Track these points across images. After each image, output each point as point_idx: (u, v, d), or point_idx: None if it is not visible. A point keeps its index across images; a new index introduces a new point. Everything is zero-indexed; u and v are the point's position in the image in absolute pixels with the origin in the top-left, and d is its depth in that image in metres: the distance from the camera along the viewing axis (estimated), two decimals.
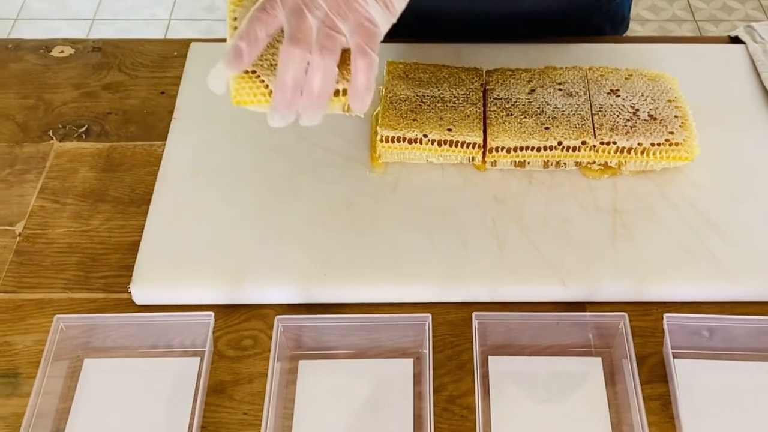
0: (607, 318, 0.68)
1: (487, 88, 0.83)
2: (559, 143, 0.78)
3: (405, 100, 0.80)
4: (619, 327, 0.68)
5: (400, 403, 0.67)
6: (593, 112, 0.79)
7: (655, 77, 0.83)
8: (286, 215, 0.77)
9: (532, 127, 0.78)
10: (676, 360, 0.68)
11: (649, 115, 0.79)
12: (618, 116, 0.79)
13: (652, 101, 0.80)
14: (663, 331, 0.68)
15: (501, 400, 0.67)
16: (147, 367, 0.70)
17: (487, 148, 0.78)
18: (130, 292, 0.73)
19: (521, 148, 0.78)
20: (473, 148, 0.78)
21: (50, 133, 0.87)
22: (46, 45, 0.96)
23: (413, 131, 0.78)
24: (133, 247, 0.76)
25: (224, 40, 0.91)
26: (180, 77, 0.90)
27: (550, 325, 0.69)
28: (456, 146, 0.78)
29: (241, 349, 0.71)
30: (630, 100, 0.80)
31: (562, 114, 0.79)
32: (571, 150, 0.78)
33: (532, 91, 0.82)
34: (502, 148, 0.78)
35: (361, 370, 0.69)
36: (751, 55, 0.90)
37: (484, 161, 0.79)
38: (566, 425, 0.66)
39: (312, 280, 0.73)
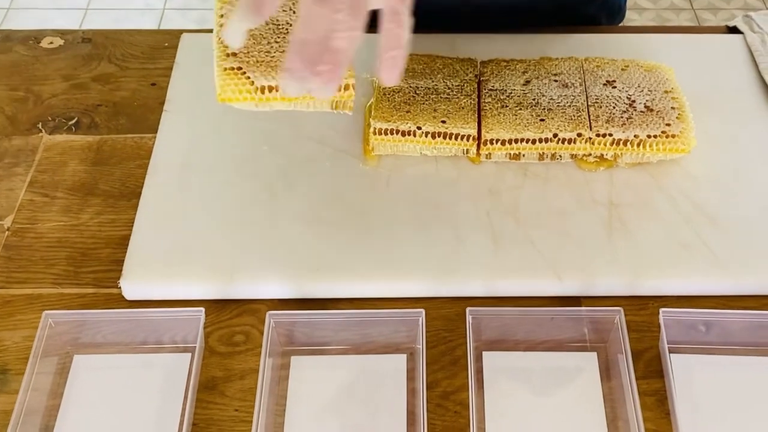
0: (603, 313, 0.68)
1: (481, 79, 0.82)
2: (555, 135, 0.77)
3: (398, 92, 0.79)
4: (614, 322, 0.67)
5: (393, 399, 0.67)
6: (589, 103, 0.79)
7: (652, 68, 0.82)
8: (278, 209, 0.76)
9: (527, 119, 0.77)
10: (672, 355, 0.67)
11: (646, 107, 0.78)
12: (614, 108, 0.78)
13: (649, 92, 0.79)
14: (659, 326, 0.67)
15: (495, 395, 0.66)
16: (137, 363, 0.69)
17: (482, 141, 0.77)
18: (120, 288, 0.72)
19: (516, 141, 0.77)
20: (467, 140, 0.77)
21: (39, 125, 0.86)
22: (36, 36, 0.94)
23: (407, 123, 0.77)
24: (124, 242, 0.75)
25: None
26: (171, 68, 0.89)
27: (545, 320, 0.68)
28: (450, 138, 0.77)
29: (233, 345, 0.70)
30: (626, 91, 0.79)
31: (558, 105, 0.78)
32: (566, 142, 0.77)
33: (528, 82, 0.81)
34: (497, 141, 0.77)
35: (354, 366, 0.69)
36: (749, 45, 0.89)
37: (478, 154, 0.78)
38: (561, 421, 0.65)
39: (304, 274, 0.72)
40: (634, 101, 0.79)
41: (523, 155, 0.78)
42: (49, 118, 0.87)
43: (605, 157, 0.78)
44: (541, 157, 0.78)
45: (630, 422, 0.63)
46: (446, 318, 0.71)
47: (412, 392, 0.67)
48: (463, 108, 0.78)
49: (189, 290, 0.72)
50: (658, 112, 0.78)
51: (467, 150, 0.78)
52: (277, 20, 0.66)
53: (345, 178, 0.78)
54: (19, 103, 0.88)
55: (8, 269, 0.75)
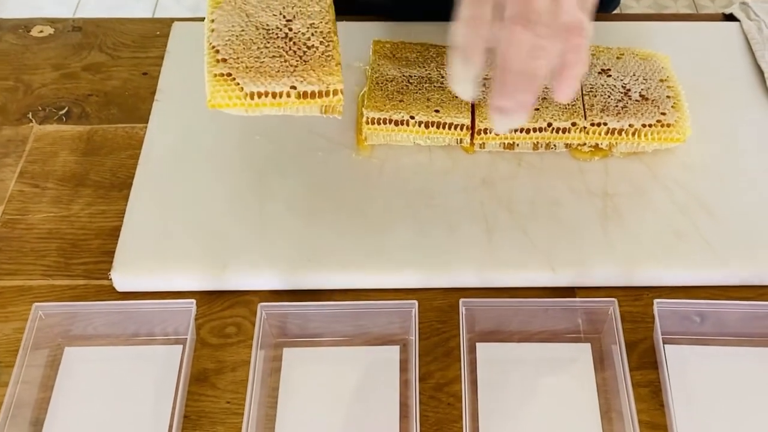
0: (597, 304, 0.67)
1: None
2: (549, 125, 0.76)
3: (391, 81, 0.79)
4: (608, 312, 0.67)
5: (386, 391, 0.66)
6: (584, 92, 0.78)
7: (647, 56, 0.81)
8: (270, 199, 0.75)
9: None
10: (666, 346, 0.67)
11: (641, 96, 0.77)
12: (609, 97, 0.77)
13: (644, 81, 0.79)
14: (653, 317, 0.67)
15: (488, 387, 0.66)
16: (128, 355, 0.69)
17: (476, 130, 0.77)
18: (111, 279, 0.72)
19: (510, 130, 0.76)
20: (461, 129, 0.77)
21: (30, 115, 0.85)
22: (25, 24, 0.93)
23: (400, 113, 0.76)
24: (115, 233, 0.75)
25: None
26: (162, 57, 0.88)
27: (539, 311, 0.68)
28: (443, 128, 0.76)
29: (225, 337, 0.70)
30: (621, 80, 0.79)
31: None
32: (561, 131, 0.76)
33: None
34: (491, 130, 0.76)
35: (346, 358, 0.68)
36: (746, 33, 0.88)
37: (472, 143, 0.78)
38: (555, 412, 0.65)
39: (296, 266, 0.71)
40: (629, 90, 0.78)
41: (518, 145, 0.78)
42: (40, 108, 0.86)
43: (600, 146, 0.77)
44: (536, 146, 0.78)
45: (624, 413, 0.63)
46: (439, 309, 0.70)
47: (404, 384, 0.66)
48: (456, 97, 0.77)
49: (180, 282, 0.72)
50: (653, 101, 0.77)
51: (461, 139, 0.77)
52: (267, 25, 0.67)
53: (337, 168, 0.77)
54: (8, 92, 0.87)
55: None
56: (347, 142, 0.79)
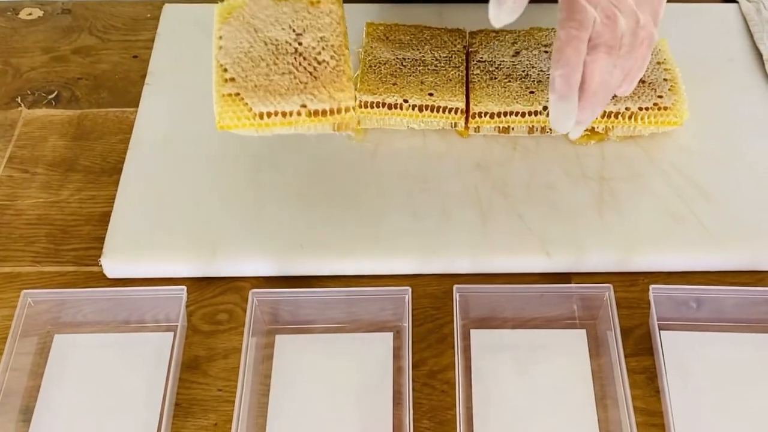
0: (592, 289, 0.67)
1: (470, 50, 0.80)
2: (545, 108, 0.75)
3: (385, 64, 0.78)
4: (604, 298, 0.66)
5: (379, 378, 0.66)
6: None
7: None
8: (263, 184, 0.75)
9: (517, 92, 0.76)
10: (662, 332, 0.66)
11: None
12: None
13: None
14: (649, 303, 0.66)
15: (483, 374, 0.65)
16: (119, 342, 0.68)
17: (470, 114, 0.76)
18: (101, 266, 0.71)
19: (505, 114, 0.75)
20: (455, 113, 0.76)
21: (18, 99, 0.84)
22: (14, 7, 0.92)
23: (393, 96, 0.75)
24: (105, 219, 0.74)
25: (200, 1, 0.89)
26: (153, 40, 0.87)
27: (534, 297, 0.67)
28: (438, 112, 0.75)
29: (216, 324, 0.69)
30: None
31: (548, 77, 0.76)
32: None
33: (517, 53, 0.79)
34: (486, 114, 0.75)
35: (339, 345, 0.67)
36: (744, 14, 0.87)
37: (466, 127, 0.77)
38: (549, 399, 0.64)
39: (289, 252, 0.70)
40: None
41: (513, 128, 0.77)
42: (28, 92, 0.85)
43: (596, 130, 0.76)
44: (531, 130, 0.77)
45: (619, 400, 0.62)
46: (433, 295, 0.70)
47: (398, 371, 0.66)
48: (451, 80, 0.76)
49: (171, 268, 0.71)
50: (650, 83, 0.76)
51: (455, 123, 0.76)
52: (276, 40, 0.65)
53: (330, 153, 0.76)
54: None
55: None
56: None
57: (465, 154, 0.76)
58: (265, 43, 0.65)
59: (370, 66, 0.78)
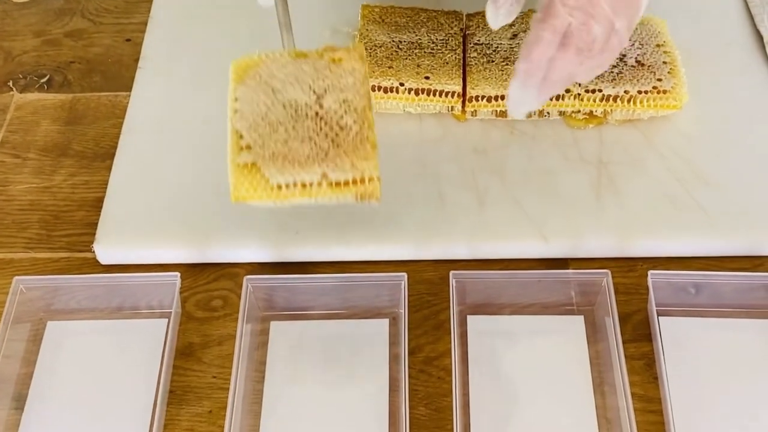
0: (590, 275, 0.66)
1: (467, 33, 0.79)
2: None
3: (380, 46, 0.77)
4: (602, 284, 0.66)
5: (375, 365, 0.65)
6: None
7: (643, 20, 0.79)
8: None
9: None
10: (660, 318, 0.65)
11: (637, 61, 0.76)
12: None
13: (640, 46, 0.77)
14: (647, 288, 0.65)
15: (479, 360, 0.65)
16: (112, 329, 0.68)
17: (467, 97, 0.75)
18: (94, 252, 0.70)
19: (503, 97, 0.74)
20: (452, 97, 0.75)
21: (10, 83, 0.84)
22: None
23: (389, 79, 0.74)
24: (98, 204, 0.73)
25: None
26: (146, 23, 0.86)
27: (531, 282, 0.66)
28: (434, 95, 0.75)
29: (211, 310, 0.69)
30: None
31: None
32: (554, 98, 0.74)
33: (515, 36, 0.78)
34: (483, 97, 0.74)
35: (334, 332, 0.67)
36: None
37: (463, 111, 0.76)
38: (547, 385, 0.64)
39: (283, 237, 0.70)
40: (624, 55, 0.76)
41: None
42: (20, 76, 0.84)
43: (594, 113, 0.75)
44: (529, 114, 0.76)
45: (617, 387, 0.62)
46: (429, 281, 0.69)
47: (394, 358, 0.65)
48: (447, 63, 0.76)
49: (165, 254, 0.70)
50: (649, 66, 0.75)
51: (452, 107, 0.76)
52: (296, 102, 0.60)
53: None
54: None
55: None
56: None
57: (462, 138, 0.76)
58: (284, 106, 0.60)
59: (366, 49, 0.77)
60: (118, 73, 0.84)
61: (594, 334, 0.66)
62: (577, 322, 0.66)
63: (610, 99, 0.74)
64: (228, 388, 0.62)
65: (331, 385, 0.64)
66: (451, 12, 0.81)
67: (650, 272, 0.65)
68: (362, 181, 0.57)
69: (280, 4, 0.63)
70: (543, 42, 0.57)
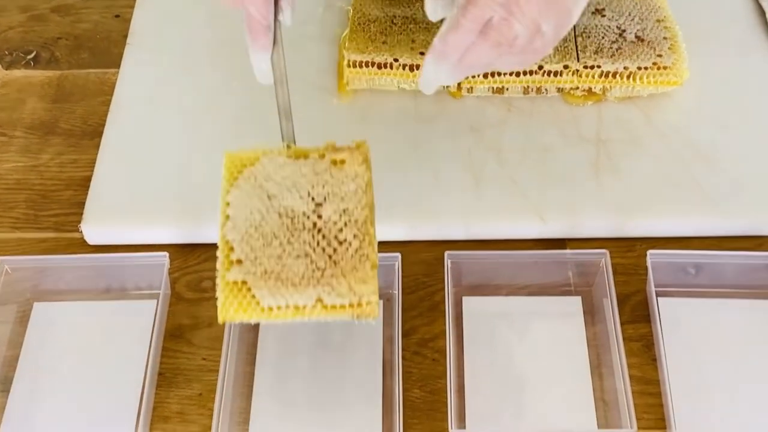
0: (588, 255, 0.65)
1: None
2: (540, 68, 0.73)
3: (374, 21, 0.75)
4: (600, 264, 0.65)
5: (368, 347, 0.64)
6: (576, 33, 0.74)
7: None
8: (249, 148, 0.72)
9: None
10: (659, 299, 0.64)
11: (636, 37, 0.74)
12: (603, 38, 0.74)
13: (640, 21, 0.75)
14: (646, 269, 0.64)
15: (475, 342, 0.64)
16: (100, 310, 0.67)
17: None
18: (81, 232, 0.69)
19: (499, 73, 0.73)
20: None
21: None
22: None
23: (383, 55, 0.73)
24: (86, 183, 0.72)
25: None
26: None
27: (528, 263, 0.65)
28: None
29: (201, 291, 0.67)
30: (616, 20, 0.75)
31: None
32: (552, 75, 0.73)
33: None
34: (479, 74, 0.73)
35: None
36: None
37: (459, 88, 0.75)
38: (543, 368, 0.63)
39: None
40: (624, 31, 0.75)
41: (507, 89, 0.74)
42: (6, 52, 0.83)
43: (593, 90, 0.74)
44: (526, 90, 0.75)
45: (614, 369, 0.61)
46: (424, 262, 0.68)
47: (388, 340, 0.64)
48: None
49: (154, 234, 0.69)
50: (649, 42, 0.74)
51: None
52: (292, 210, 0.57)
53: (317, 115, 0.74)
54: None
55: None
56: (328, 87, 0.76)
57: (458, 116, 0.74)
58: (280, 215, 0.57)
59: (359, 24, 0.75)
60: (107, 50, 0.83)
61: (592, 315, 0.65)
62: (575, 303, 0.66)
63: (610, 75, 0.73)
64: (218, 371, 0.61)
65: (323, 368, 0.63)
66: None
67: (649, 252, 0.64)
68: (359, 305, 0.54)
69: (279, 88, 0.61)
70: (461, 29, 0.55)
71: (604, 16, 0.76)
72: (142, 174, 0.71)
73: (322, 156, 0.59)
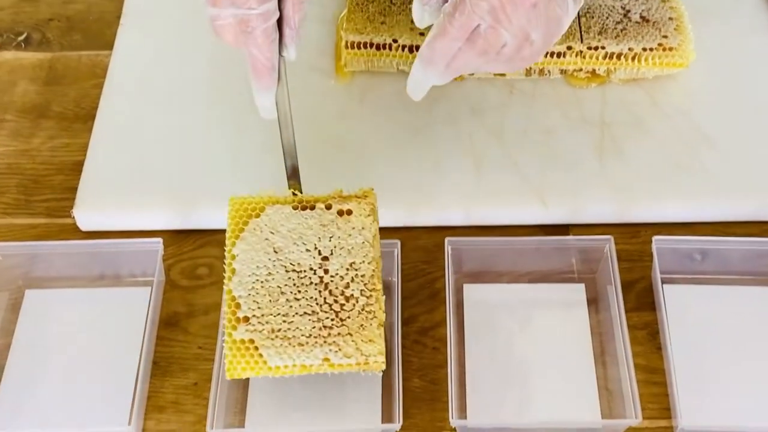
0: (592, 241, 0.64)
1: None
2: None
3: (373, 2, 0.74)
4: (604, 251, 0.64)
5: None
6: (580, 13, 0.73)
7: None
8: (244, 131, 0.71)
9: None
10: (665, 285, 0.64)
11: (641, 17, 0.73)
12: (607, 18, 0.73)
13: (645, 1, 0.74)
14: (651, 255, 0.64)
15: (476, 331, 0.63)
16: (93, 298, 0.66)
17: None
18: (73, 217, 0.68)
19: None
20: None
21: None
22: None
23: (382, 36, 0.72)
24: (79, 168, 0.71)
25: None
26: None
27: (530, 249, 0.65)
28: None
29: (196, 278, 0.67)
30: (620, 0, 0.74)
31: None
32: (555, 56, 0.72)
33: None
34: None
35: None
36: None
37: None
38: (546, 357, 0.62)
39: None
40: (628, 11, 0.73)
41: None
42: None
43: (597, 72, 0.73)
44: (528, 72, 0.74)
45: (619, 357, 0.60)
46: (424, 249, 0.67)
47: (387, 328, 0.63)
48: None
49: (148, 220, 0.68)
50: (654, 23, 0.73)
51: None
52: (299, 265, 0.57)
53: (315, 97, 0.73)
54: None
55: None
56: (325, 69, 0.75)
57: (458, 98, 0.73)
58: (286, 269, 0.57)
59: (357, 4, 0.74)
60: (100, 31, 0.82)
61: (596, 303, 0.64)
62: (578, 291, 0.65)
63: (614, 56, 0.72)
64: (214, 360, 0.60)
65: None
66: None
67: (654, 238, 0.64)
68: (366, 363, 0.56)
69: (284, 128, 0.61)
70: (448, 36, 0.55)
71: None
72: (136, 158, 0.71)
73: (329, 207, 0.59)
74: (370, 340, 0.55)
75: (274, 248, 0.58)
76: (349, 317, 0.56)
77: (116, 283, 0.66)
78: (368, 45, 0.72)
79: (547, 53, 0.71)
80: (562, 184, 0.68)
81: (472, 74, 0.74)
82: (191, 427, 0.60)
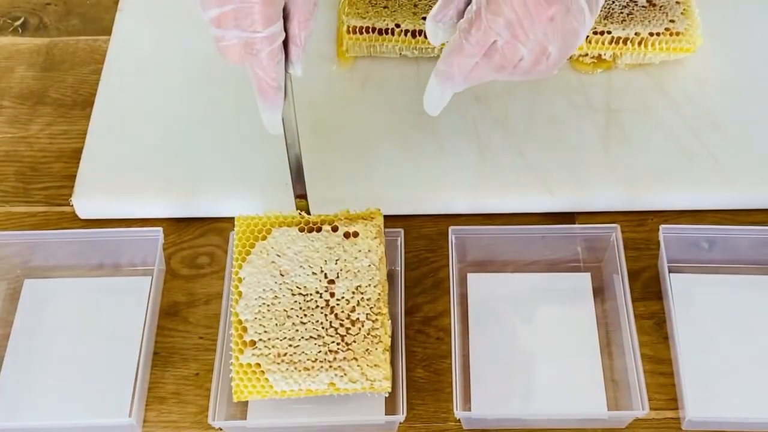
0: (598, 230, 0.64)
1: None
2: None
3: None
4: (610, 239, 0.63)
5: None
6: None
7: None
8: (244, 117, 0.70)
9: None
10: (672, 274, 0.63)
11: (648, 1, 0.72)
12: (613, 2, 0.72)
13: None
14: (658, 243, 0.63)
15: (480, 320, 0.63)
16: (93, 287, 0.65)
17: None
18: (72, 205, 0.68)
19: None
20: None
21: None
22: None
23: (384, 20, 0.71)
24: (78, 155, 0.71)
25: None
26: None
27: (535, 238, 0.64)
28: None
29: (197, 267, 0.66)
30: None
31: None
32: None
33: None
34: None
35: None
36: None
37: None
38: (551, 347, 0.62)
39: (272, 190, 0.67)
40: None
41: None
42: None
43: (603, 57, 0.73)
44: None
45: (625, 347, 0.60)
46: (428, 237, 0.67)
47: (391, 318, 0.62)
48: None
49: (148, 208, 0.68)
50: (661, 7, 0.72)
51: None
52: (305, 288, 0.58)
53: (316, 83, 0.72)
54: None
55: None
56: (326, 54, 0.74)
57: None
58: (292, 293, 0.58)
59: None
60: (97, 16, 0.81)
61: (602, 292, 0.64)
62: (584, 280, 0.64)
63: (620, 41, 0.71)
64: (215, 350, 0.60)
65: None
66: None
67: (661, 226, 0.63)
68: (371, 387, 0.56)
69: (290, 147, 0.61)
70: (465, 53, 0.55)
71: None
72: (136, 145, 0.70)
73: (335, 229, 0.60)
74: (375, 365, 0.56)
75: (280, 271, 0.59)
76: (354, 341, 0.57)
77: (116, 272, 0.66)
78: (370, 30, 0.71)
79: None
80: (568, 171, 0.67)
81: None
82: (193, 419, 0.60)
